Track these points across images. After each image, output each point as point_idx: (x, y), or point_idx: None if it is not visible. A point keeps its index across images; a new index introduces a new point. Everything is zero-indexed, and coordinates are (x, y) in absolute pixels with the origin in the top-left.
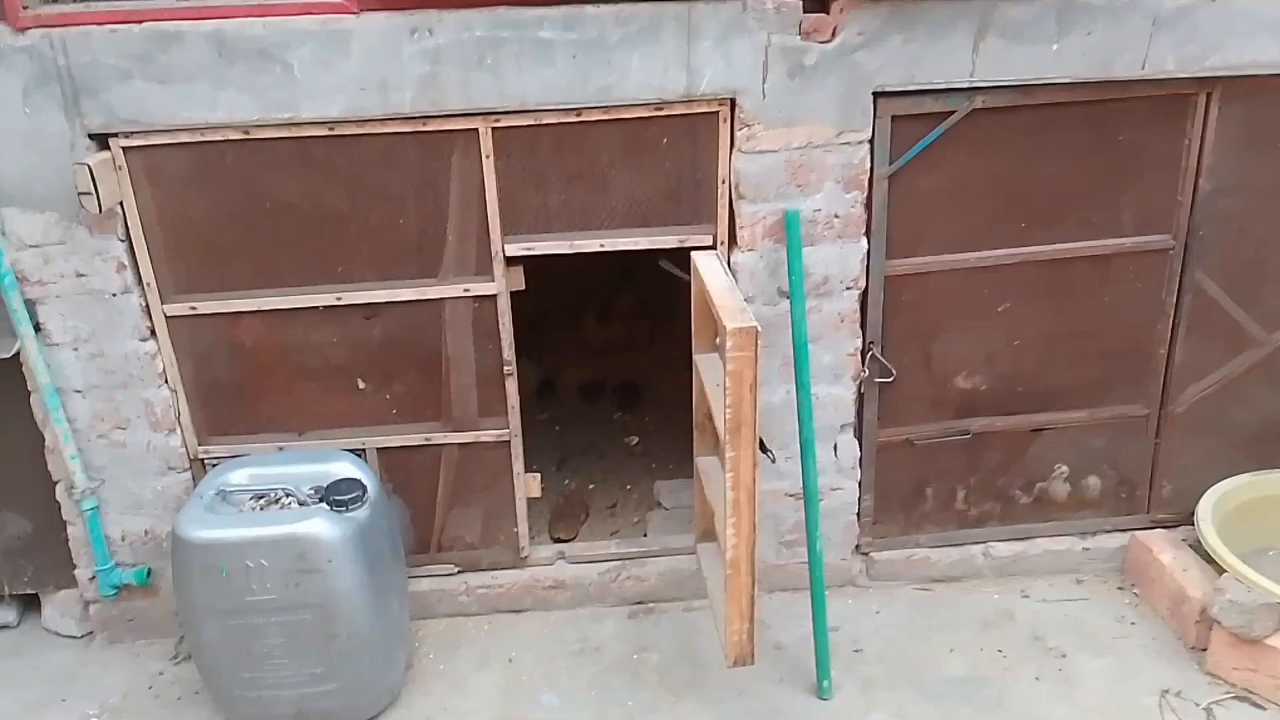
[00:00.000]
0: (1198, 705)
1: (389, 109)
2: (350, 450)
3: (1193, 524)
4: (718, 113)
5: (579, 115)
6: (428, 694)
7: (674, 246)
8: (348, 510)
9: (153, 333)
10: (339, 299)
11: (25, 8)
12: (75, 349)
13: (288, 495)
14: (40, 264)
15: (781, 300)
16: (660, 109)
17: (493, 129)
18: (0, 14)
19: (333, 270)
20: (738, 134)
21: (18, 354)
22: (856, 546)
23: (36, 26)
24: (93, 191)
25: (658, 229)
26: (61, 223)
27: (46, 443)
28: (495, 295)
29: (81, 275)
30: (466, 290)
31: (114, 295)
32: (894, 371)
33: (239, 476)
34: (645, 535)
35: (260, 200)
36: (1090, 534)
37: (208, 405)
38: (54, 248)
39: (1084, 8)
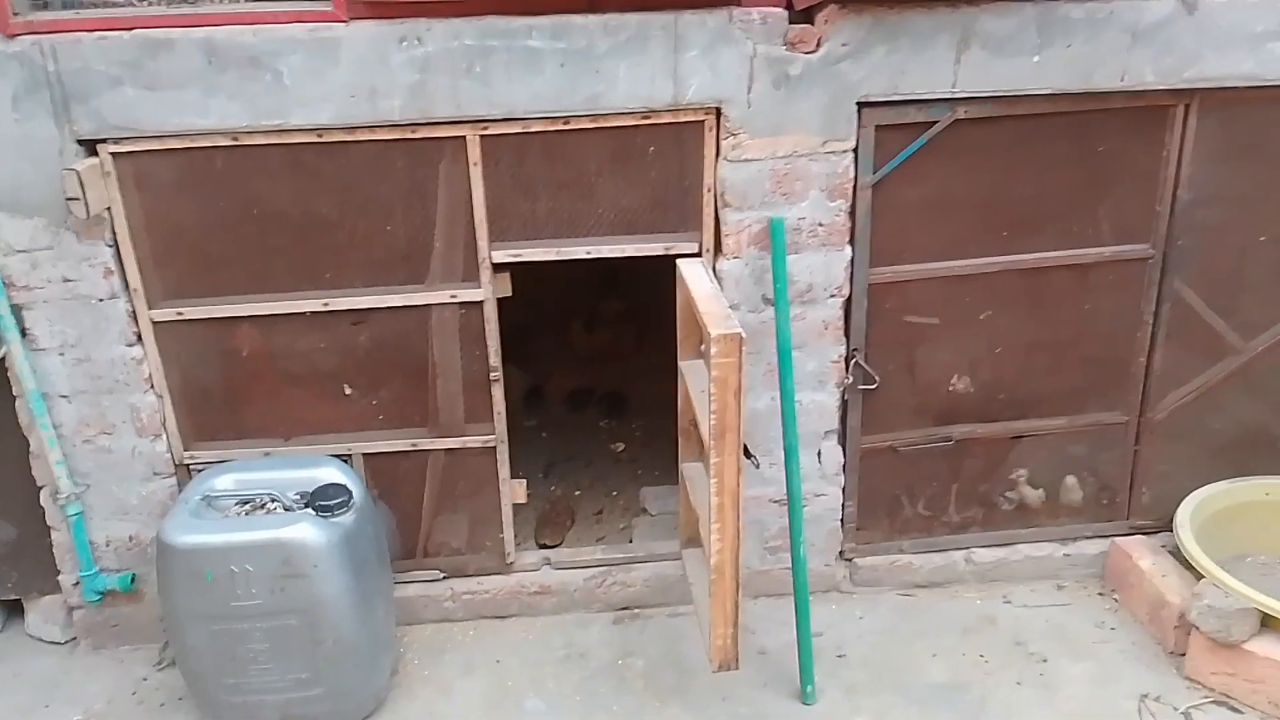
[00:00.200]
0: (1177, 710)
1: (378, 116)
2: (336, 456)
3: (1172, 530)
4: (704, 122)
5: (567, 123)
6: (413, 700)
7: (660, 254)
8: (333, 516)
9: (139, 338)
10: (326, 305)
11: (15, 14)
12: (62, 354)
13: (273, 500)
14: (28, 269)
15: (766, 307)
16: (647, 118)
17: (481, 137)
18: None
19: (321, 276)
20: (724, 143)
21: (3, 359)
22: (840, 552)
23: (27, 33)
24: (81, 197)
25: (644, 236)
26: (49, 228)
27: (31, 448)
28: (482, 302)
29: (69, 280)
30: (454, 296)
31: (101, 300)
32: (877, 378)
33: (225, 482)
34: (631, 541)
35: (249, 207)
36: (1071, 540)
37: (194, 411)
38: (42, 253)
39: (1064, 20)
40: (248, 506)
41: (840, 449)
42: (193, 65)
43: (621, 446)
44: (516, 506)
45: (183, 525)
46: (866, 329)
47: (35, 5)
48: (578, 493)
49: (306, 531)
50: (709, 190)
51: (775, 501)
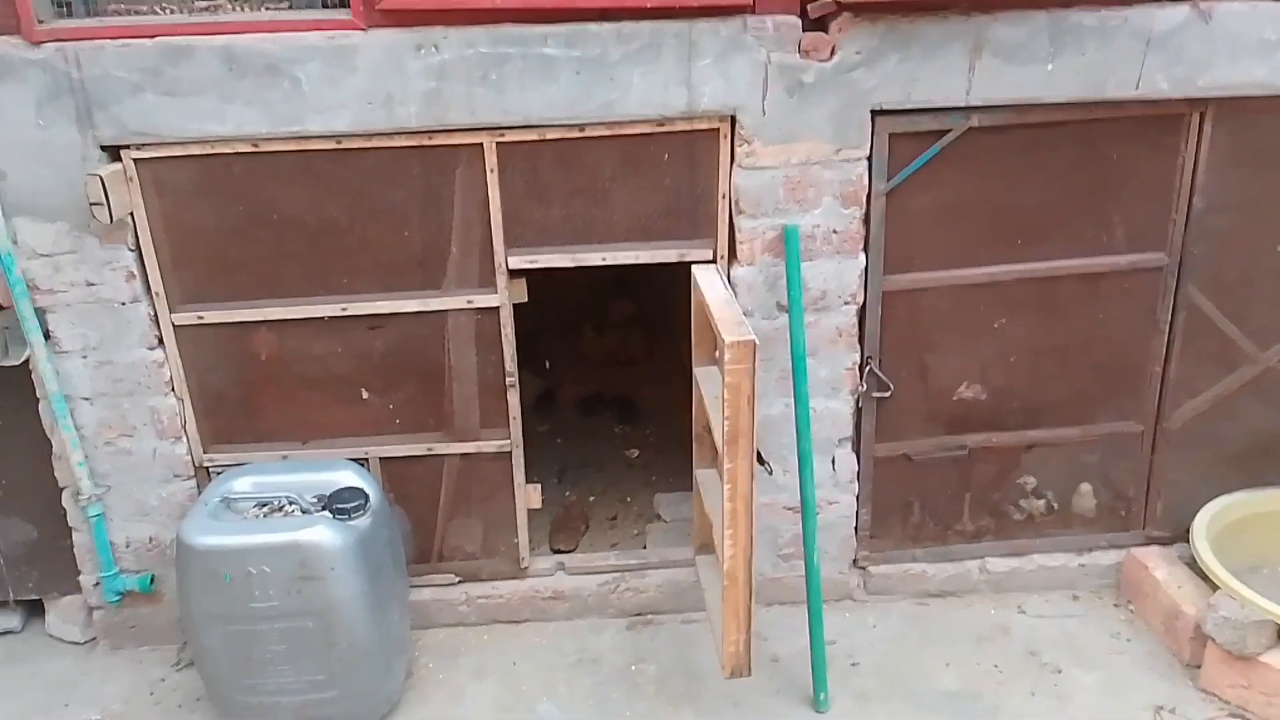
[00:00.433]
0: None
1: (394, 123)
2: (353, 459)
3: (1187, 540)
4: (718, 129)
5: (581, 131)
6: (427, 703)
7: (675, 260)
8: (350, 518)
9: (160, 341)
10: (344, 310)
11: (40, 22)
12: (84, 357)
13: (291, 503)
14: (51, 273)
15: (780, 314)
16: (661, 125)
17: (497, 143)
18: (15, 28)
19: (338, 281)
20: (737, 150)
21: (27, 361)
22: (853, 560)
23: (50, 40)
24: (104, 202)
25: (659, 243)
26: (72, 233)
27: (53, 449)
28: (498, 307)
29: (91, 284)
30: (470, 302)
31: (123, 304)
32: (891, 386)
33: (243, 484)
34: (644, 547)
35: (267, 212)
36: (1086, 550)
37: (213, 414)
38: (64, 257)
39: (1076, 29)
40: (266, 509)
41: (854, 457)
42: (212, 72)
43: (636, 453)
44: (531, 511)
45: (202, 526)
46: (880, 336)
47: (59, 13)
48: (591, 498)
49: (323, 534)
50: (723, 197)
51: (789, 509)
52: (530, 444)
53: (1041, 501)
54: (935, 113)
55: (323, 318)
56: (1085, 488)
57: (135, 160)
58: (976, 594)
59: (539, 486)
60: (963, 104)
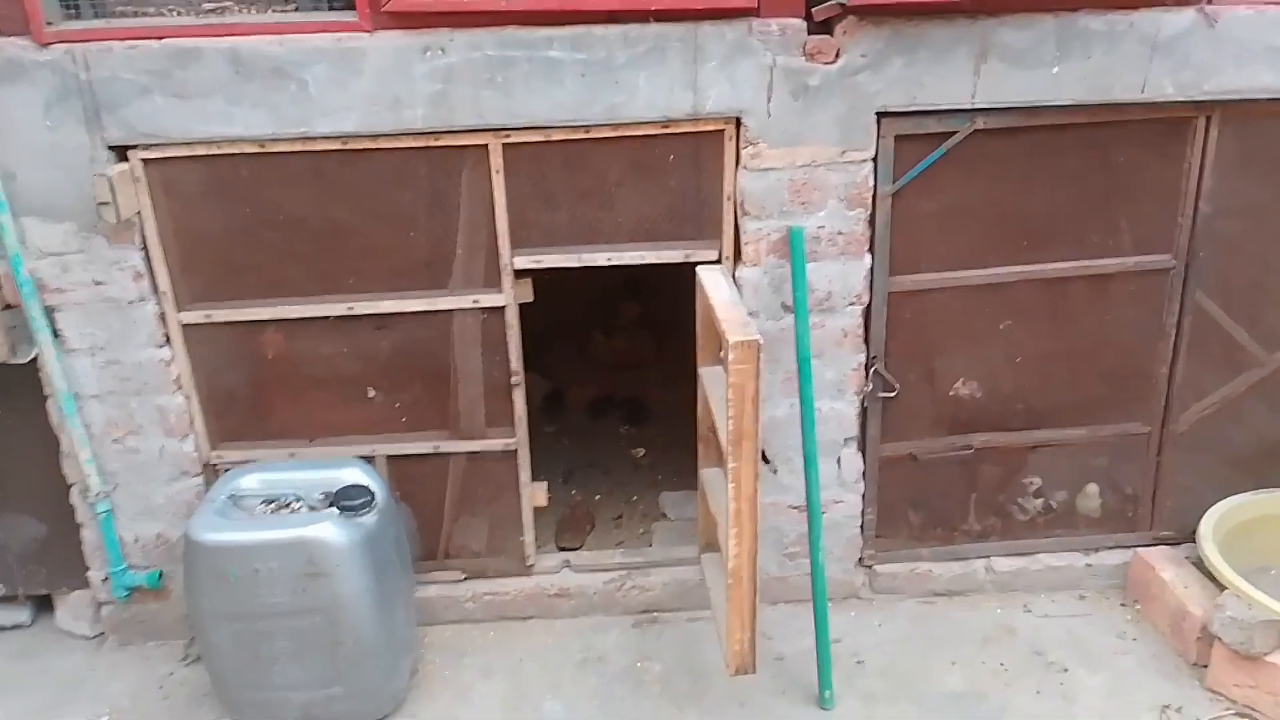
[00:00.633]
0: None
1: (401, 125)
2: (360, 457)
3: (1194, 541)
4: (723, 131)
5: (587, 133)
6: (432, 700)
7: (680, 261)
8: (356, 516)
9: (168, 340)
10: (350, 309)
11: (49, 24)
12: (92, 355)
13: (298, 500)
14: (59, 272)
15: (785, 315)
16: (667, 127)
17: (503, 145)
18: (24, 29)
19: (344, 281)
20: (743, 152)
21: (35, 359)
22: (859, 559)
23: (59, 42)
24: (112, 202)
25: (664, 244)
26: (80, 232)
27: (62, 447)
28: (504, 307)
29: (99, 283)
30: (475, 302)
31: (130, 303)
32: (897, 386)
33: (250, 482)
34: (650, 546)
35: (274, 213)
36: (1092, 550)
37: (220, 412)
38: (72, 256)
39: (1083, 32)
40: (273, 506)
41: (860, 456)
42: (219, 75)
43: (642, 452)
44: (537, 510)
45: (209, 523)
46: (886, 337)
47: (67, 15)
48: (597, 497)
49: (329, 531)
50: (728, 199)
51: (794, 508)
52: (537, 445)
53: (1044, 501)
54: (941, 115)
55: (329, 317)
56: (1091, 488)
57: (143, 161)
58: (982, 594)
59: (544, 485)
60: (968, 107)
